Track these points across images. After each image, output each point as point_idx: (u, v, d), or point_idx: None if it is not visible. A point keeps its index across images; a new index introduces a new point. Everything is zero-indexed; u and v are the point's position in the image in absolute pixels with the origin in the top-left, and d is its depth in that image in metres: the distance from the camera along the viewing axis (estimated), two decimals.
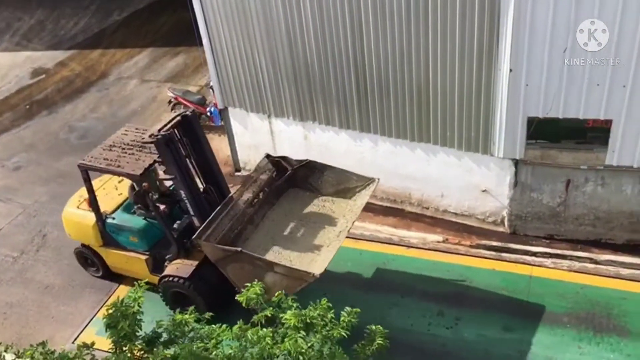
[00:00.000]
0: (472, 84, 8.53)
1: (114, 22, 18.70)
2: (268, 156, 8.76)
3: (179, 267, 8.25)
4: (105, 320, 5.41)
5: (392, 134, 9.67)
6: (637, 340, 7.76)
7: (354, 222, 8.07)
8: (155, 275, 8.57)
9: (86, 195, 8.86)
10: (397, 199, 10.47)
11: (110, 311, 5.38)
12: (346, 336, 5.35)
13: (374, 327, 5.66)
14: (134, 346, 5.51)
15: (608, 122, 8.03)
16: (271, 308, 5.59)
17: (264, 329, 5.37)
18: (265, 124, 11.03)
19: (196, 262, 8.20)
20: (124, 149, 8.32)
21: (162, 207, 8.40)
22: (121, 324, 5.28)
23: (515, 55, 7.83)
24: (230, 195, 8.43)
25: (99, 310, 9.26)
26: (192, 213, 8.06)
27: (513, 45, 7.76)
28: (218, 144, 12.96)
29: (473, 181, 9.43)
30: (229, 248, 7.49)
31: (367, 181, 8.44)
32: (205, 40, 10.61)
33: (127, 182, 8.92)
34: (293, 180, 8.84)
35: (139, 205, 8.63)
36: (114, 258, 9.18)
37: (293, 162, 8.77)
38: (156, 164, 8.21)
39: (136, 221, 8.72)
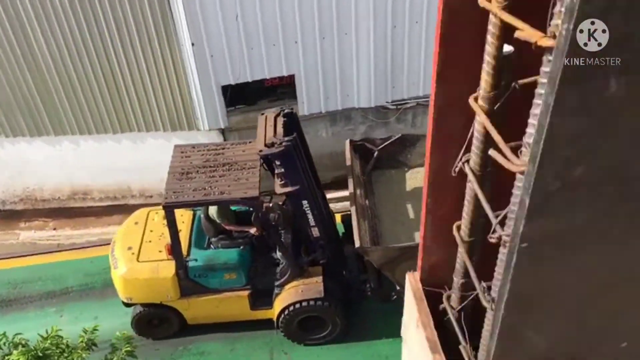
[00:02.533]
0: (161, 63, 8.45)
1: None
2: (351, 142, 7.85)
3: (304, 290, 7.16)
4: None
5: (92, 130, 9.14)
6: None
7: None
8: (259, 310, 7.39)
9: (135, 246, 7.30)
10: (117, 195, 10.02)
11: None
12: (88, 355, 5.04)
13: (118, 333, 5.43)
14: None
15: (292, 77, 8.77)
16: None
17: None
18: None
19: (320, 278, 7.23)
20: (205, 172, 6.81)
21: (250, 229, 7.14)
22: None
23: (193, 28, 7.94)
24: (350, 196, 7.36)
25: None
26: (312, 224, 6.97)
27: (188, 19, 7.85)
28: None
29: None
30: (409, 245, 6.47)
31: None
32: None
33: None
34: (377, 161, 8.00)
35: (222, 236, 7.32)
36: (199, 307, 7.53)
37: (377, 141, 7.95)
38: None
39: (226, 255, 7.28)
